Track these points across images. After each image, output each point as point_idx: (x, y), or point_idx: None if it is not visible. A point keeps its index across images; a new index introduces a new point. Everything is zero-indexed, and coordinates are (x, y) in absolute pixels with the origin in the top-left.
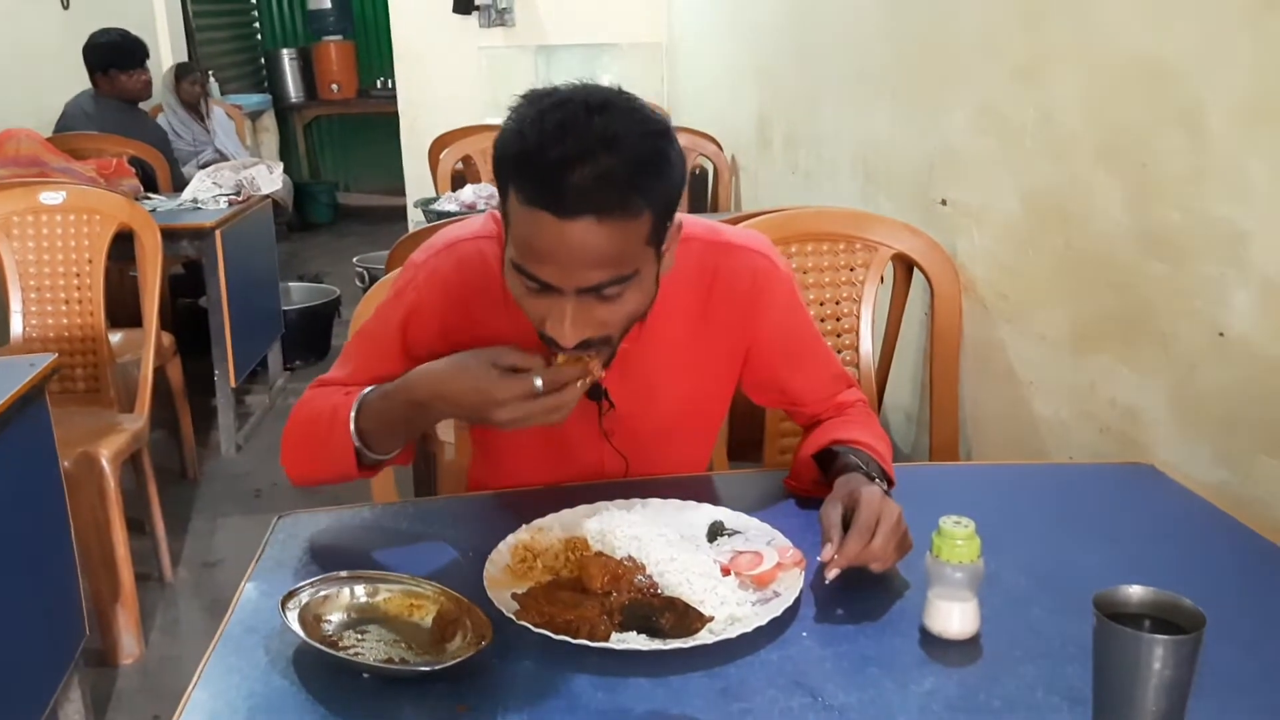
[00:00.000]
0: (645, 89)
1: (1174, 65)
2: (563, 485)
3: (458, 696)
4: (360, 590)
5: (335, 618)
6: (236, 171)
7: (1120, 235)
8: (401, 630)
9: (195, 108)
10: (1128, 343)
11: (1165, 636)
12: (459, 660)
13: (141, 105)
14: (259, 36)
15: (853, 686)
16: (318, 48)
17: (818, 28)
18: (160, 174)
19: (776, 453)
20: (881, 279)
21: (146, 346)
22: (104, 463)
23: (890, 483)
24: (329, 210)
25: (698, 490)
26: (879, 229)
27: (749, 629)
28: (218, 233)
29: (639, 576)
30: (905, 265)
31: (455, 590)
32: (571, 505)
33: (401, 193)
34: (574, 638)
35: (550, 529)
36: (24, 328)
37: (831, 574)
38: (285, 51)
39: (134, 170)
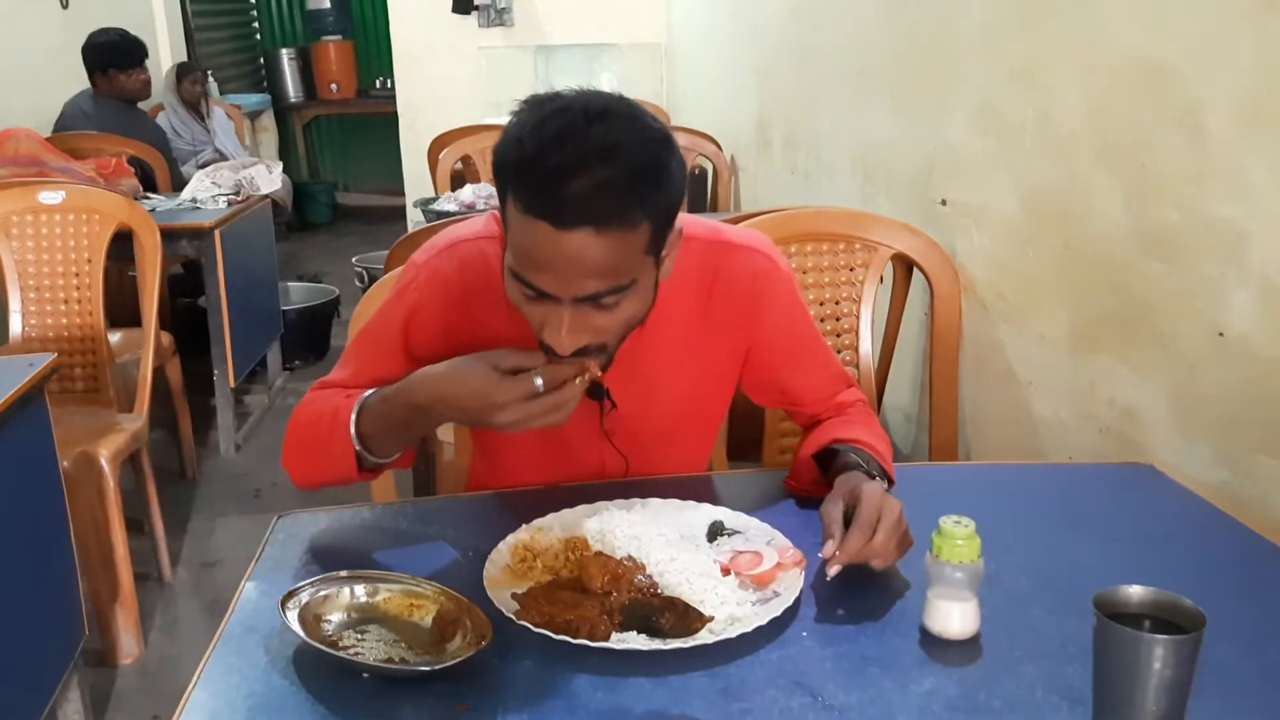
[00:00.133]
0: (645, 89)
1: (1174, 65)
2: (563, 485)
3: (458, 696)
4: (360, 590)
5: (335, 618)
6: (236, 171)
7: (1120, 235)
8: (401, 630)
9: (196, 107)
10: (1127, 343)
11: (1165, 636)
12: (459, 660)
13: (140, 105)
14: (258, 36)
15: (853, 686)
16: (317, 47)
17: (817, 28)
18: (159, 174)
19: (776, 453)
20: (881, 279)
21: (146, 346)
22: (103, 462)
23: (890, 482)
24: (328, 210)
25: (698, 490)
26: (878, 229)
27: (749, 629)
28: (217, 233)
29: (639, 576)
30: (905, 265)
31: (455, 590)
32: (571, 505)
33: (401, 193)
34: (574, 638)
35: (550, 529)
36: (23, 327)
37: (833, 570)
38: (284, 51)
39: (133, 170)
